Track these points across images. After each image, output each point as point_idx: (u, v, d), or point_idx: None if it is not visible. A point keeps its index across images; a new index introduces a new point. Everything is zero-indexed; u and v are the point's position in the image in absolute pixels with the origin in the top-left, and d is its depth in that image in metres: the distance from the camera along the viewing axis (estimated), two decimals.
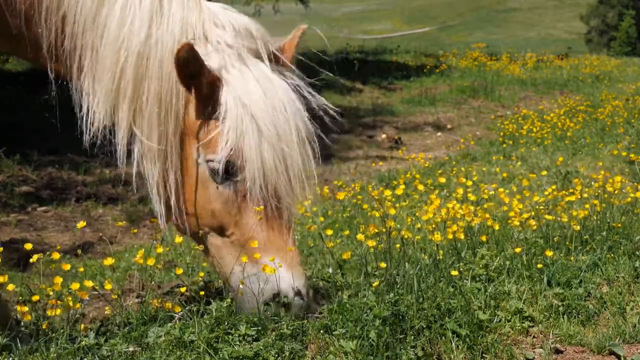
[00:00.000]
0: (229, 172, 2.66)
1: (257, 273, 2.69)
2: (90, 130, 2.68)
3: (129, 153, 2.73)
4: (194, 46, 2.54)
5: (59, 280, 2.73)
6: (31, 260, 2.84)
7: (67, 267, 2.83)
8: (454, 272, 3.32)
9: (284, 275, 2.69)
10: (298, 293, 2.73)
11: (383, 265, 3.26)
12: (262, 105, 2.65)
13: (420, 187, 4.99)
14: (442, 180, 7.39)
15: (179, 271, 3.13)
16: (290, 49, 2.93)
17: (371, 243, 3.40)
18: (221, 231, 2.76)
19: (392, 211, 3.74)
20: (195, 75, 2.59)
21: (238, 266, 2.71)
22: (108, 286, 2.95)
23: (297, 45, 2.97)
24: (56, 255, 2.76)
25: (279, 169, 2.67)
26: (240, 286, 2.72)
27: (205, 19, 2.70)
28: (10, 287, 2.76)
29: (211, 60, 2.66)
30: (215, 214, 2.72)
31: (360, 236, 3.52)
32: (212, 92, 2.65)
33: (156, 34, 2.60)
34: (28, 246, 2.86)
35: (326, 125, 2.90)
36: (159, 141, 2.65)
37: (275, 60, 2.83)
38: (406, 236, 3.73)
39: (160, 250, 3.13)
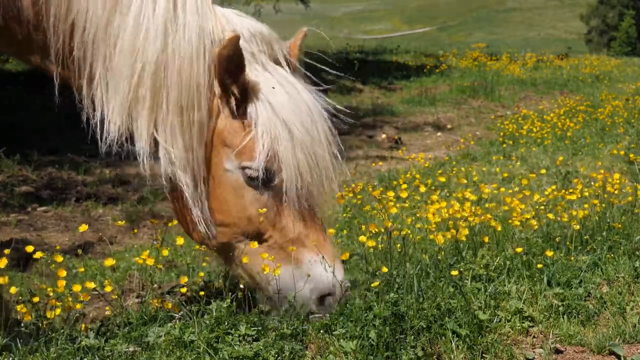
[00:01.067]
0: (267, 177, 2.69)
1: (300, 275, 2.75)
2: (106, 138, 2.66)
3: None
4: (240, 39, 2.55)
5: (62, 283, 2.72)
6: (35, 256, 2.83)
7: (63, 273, 2.81)
8: (454, 272, 3.32)
9: (328, 274, 2.76)
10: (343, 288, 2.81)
11: (385, 269, 3.25)
12: (290, 109, 2.69)
13: (422, 189, 4.98)
14: (443, 179, 7.39)
15: (183, 280, 3.13)
16: (294, 52, 2.95)
17: (371, 243, 3.40)
18: (258, 237, 2.77)
19: (394, 210, 3.74)
20: (236, 73, 2.60)
21: (284, 268, 2.74)
22: (108, 288, 2.95)
23: (300, 48, 2.98)
24: (59, 258, 2.76)
25: (313, 170, 2.72)
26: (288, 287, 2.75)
27: (222, 26, 2.70)
28: (13, 290, 2.76)
29: None
30: (252, 220, 2.73)
31: (362, 238, 3.52)
32: (244, 97, 2.67)
33: (172, 43, 2.59)
34: (29, 248, 2.85)
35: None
36: (185, 148, 2.65)
37: (288, 65, 2.86)
38: (405, 233, 3.73)
39: (166, 252, 3.13)
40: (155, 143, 2.68)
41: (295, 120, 2.68)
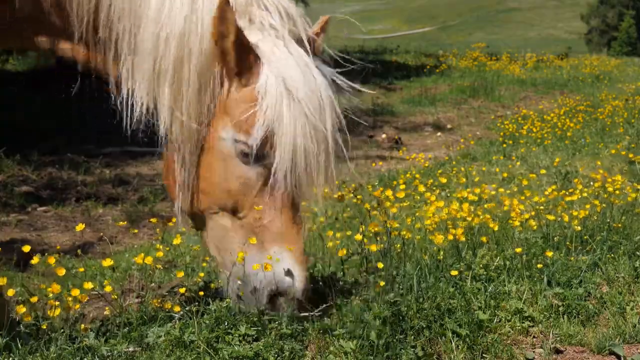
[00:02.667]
0: (258, 155, 2.60)
1: (259, 261, 2.63)
2: (131, 116, 2.62)
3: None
4: (228, 2, 2.48)
5: (57, 288, 2.71)
6: (32, 261, 2.83)
7: (62, 272, 2.79)
8: (454, 272, 3.32)
9: (290, 270, 2.63)
10: (296, 291, 2.68)
11: (380, 265, 3.25)
12: (303, 88, 2.60)
13: (421, 189, 4.98)
14: (443, 180, 7.39)
15: (180, 274, 3.12)
16: (317, 39, 2.87)
17: (373, 248, 3.38)
18: (233, 211, 2.69)
19: (394, 210, 3.74)
20: (230, 37, 2.52)
21: (250, 251, 2.64)
22: (108, 288, 2.95)
23: (322, 35, 2.91)
24: (52, 260, 2.74)
25: (309, 159, 2.62)
26: (239, 271, 2.64)
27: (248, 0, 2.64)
28: (11, 292, 2.75)
29: (252, 36, 2.61)
30: (231, 192, 2.65)
31: (358, 236, 3.51)
32: (246, 66, 2.59)
33: (196, 14, 2.55)
34: (26, 248, 2.84)
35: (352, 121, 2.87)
36: (197, 120, 2.60)
37: (311, 46, 2.76)
38: (407, 236, 3.73)
39: (160, 254, 3.11)
40: (172, 115, 2.63)
41: (307, 100, 2.59)
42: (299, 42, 2.71)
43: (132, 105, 2.62)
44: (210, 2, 2.57)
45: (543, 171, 7.41)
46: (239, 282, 2.69)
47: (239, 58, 2.57)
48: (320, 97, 2.65)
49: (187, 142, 2.63)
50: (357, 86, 2.85)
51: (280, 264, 2.63)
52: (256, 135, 2.56)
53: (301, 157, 2.60)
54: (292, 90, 2.58)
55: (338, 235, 4.17)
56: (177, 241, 2.92)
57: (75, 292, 2.73)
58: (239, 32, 2.53)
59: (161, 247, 3.18)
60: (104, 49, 2.65)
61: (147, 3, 2.57)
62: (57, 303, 2.76)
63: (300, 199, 2.70)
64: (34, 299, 2.79)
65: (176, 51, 2.56)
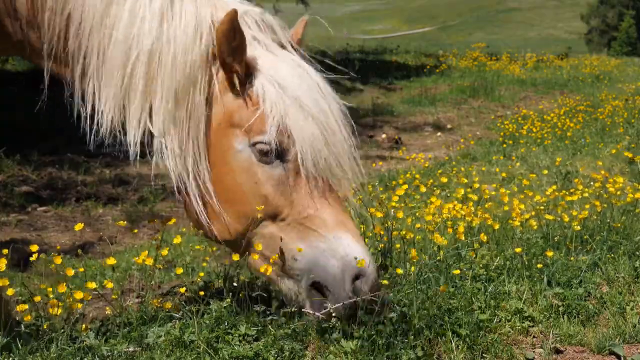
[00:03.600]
0: (279, 150, 2.62)
1: (326, 249, 2.59)
2: (97, 131, 2.64)
3: (143, 153, 2.70)
4: (237, 15, 2.51)
5: (63, 288, 2.71)
6: (32, 258, 2.83)
7: (71, 272, 2.80)
8: (456, 272, 3.32)
9: (357, 250, 2.59)
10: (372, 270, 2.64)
11: (399, 271, 3.25)
12: (299, 85, 2.64)
13: (423, 189, 4.98)
14: (444, 180, 7.39)
15: (179, 271, 3.12)
16: (296, 41, 2.91)
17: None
18: (275, 216, 2.67)
19: (400, 214, 3.74)
20: (237, 50, 2.55)
21: (303, 244, 2.60)
22: (109, 285, 2.94)
23: (302, 37, 2.95)
24: (58, 260, 2.75)
25: (329, 142, 2.64)
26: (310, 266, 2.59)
27: (221, 11, 2.66)
28: (10, 292, 2.75)
29: None
30: (268, 198, 2.64)
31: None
32: (247, 77, 2.63)
33: (168, 32, 2.58)
34: (34, 247, 2.83)
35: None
36: (179, 138, 2.61)
37: (294, 50, 2.82)
38: (409, 236, 3.74)
39: (165, 252, 3.11)
40: (151, 136, 2.65)
41: (304, 96, 2.63)
42: (283, 47, 2.77)
43: (98, 119, 2.64)
44: (182, 20, 2.59)
45: (545, 171, 7.40)
46: (312, 276, 2.61)
47: (247, 70, 2.63)
48: (319, 88, 2.71)
49: (180, 160, 2.62)
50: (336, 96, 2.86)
51: (348, 247, 2.59)
52: (271, 130, 2.59)
53: (320, 142, 2.62)
54: (287, 88, 2.62)
55: None
56: (177, 241, 2.91)
57: (79, 295, 2.72)
58: (246, 45, 2.58)
59: (160, 247, 3.16)
60: (72, 63, 2.67)
61: (119, 18, 2.59)
62: (59, 303, 2.77)
63: (335, 182, 2.70)
64: (37, 299, 2.79)
65: (145, 70, 2.58)
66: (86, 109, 2.66)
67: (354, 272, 2.58)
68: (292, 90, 2.63)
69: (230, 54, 2.57)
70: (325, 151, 2.64)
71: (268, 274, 2.67)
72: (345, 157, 2.72)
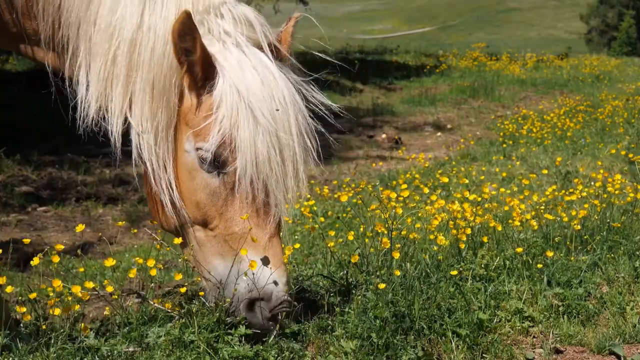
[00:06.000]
0: (219, 162, 2.58)
1: (239, 269, 2.59)
2: (84, 119, 2.62)
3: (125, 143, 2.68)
4: (191, 15, 2.46)
5: (57, 283, 2.71)
6: (32, 262, 2.82)
7: (82, 269, 2.79)
8: (454, 272, 3.32)
9: (266, 274, 2.58)
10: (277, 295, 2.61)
11: (397, 273, 3.24)
12: (259, 94, 2.57)
13: (426, 190, 4.98)
14: (445, 180, 7.39)
15: (178, 277, 3.11)
16: (286, 40, 2.84)
17: (386, 242, 3.37)
18: (205, 224, 2.67)
19: (400, 211, 3.73)
20: (190, 49, 2.50)
21: (219, 260, 2.64)
22: (109, 288, 2.94)
23: (292, 35, 2.87)
24: (56, 259, 2.75)
25: (273, 162, 2.58)
26: (213, 282, 2.63)
27: (201, 7, 2.62)
28: (9, 289, 2.76)
29: (211, 47, 2.59)
30: (200, 205, 2.64)
31: (350, 236, 3.50)
32: (207, 77, 2.58)
33: (149, 21, 2.55)
34: (26, 240, 2.82)
35: (328, 124, 2.81)
36: (154, 130, 2.58)
37: (275, 52, 2.73)
38: (411, 236, 3.73)
39: (168, 249, 3.09)
40: (128, 124, 2.62)
41: (262, 107, 2.56)
42: (259, 48, 2.68)
43: (84, 106, 2.62)
44: (162, 10, 2.56)
45: (545, 171, 7.41)
46: (217, 291, 2.65)
47: (203, 72, 2.57)
48: (282, 101, 2.61)
49: (150, 152, 2.60)
50: (322, 96, 2.80)
51: (258, 270, 2.58)
52: (212, 141, 2.54)
53: (264, 163, 2.56)
54: (246, 98, 2.55)
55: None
56: (177, 241, 2.90)
57: (77, 289, 2.72)
58: (204, 47, 2.52)
59: (161, 247, 3.16)
60: (66, 53, 2.66)
61: (104, 5, 2.57)
62: (58, 301, 2.76)
63: (273, 202, 2.63)
64: (32, 295, 2.78)
65: (127, 59, 2.56)
66: (77, 97, 2.64)
67: (250, 297, 2.59)
68: (250, 99, 2.55)
69: (184, 52, 2.52)
70: (267, 171, 2.57)
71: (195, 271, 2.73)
72: (289, 179, 2.64)
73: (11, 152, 9.05)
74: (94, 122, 2.62)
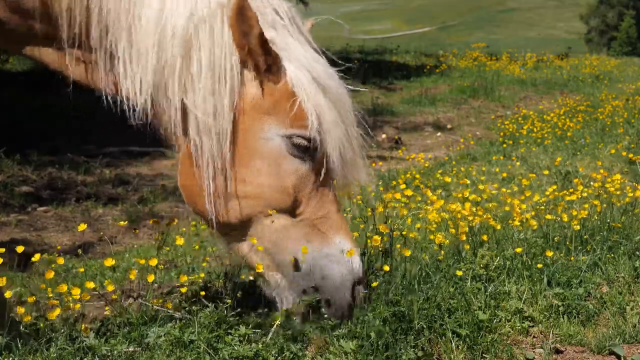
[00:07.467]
0: (314, 146, 2.58)
1: (329, 255, 2.60)
2: (133, 113, 2.56)
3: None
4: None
5: (64, 288, 2.71)
6: (33, 259, 2.83)
7: (82, 269, 2.79)
8: (459, 272, 3.31)
9: (357, 260, 2.63)
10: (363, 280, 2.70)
11: (386, 268, 3.24)
12: (325, 77, 2.59)
13: (428, 193, 4.99)
14: (448, 179, 7.39)
15: (183, 278, 3.11)
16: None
17: (376, 240, 3.38)
18: (291, 210, 2.63)
19: (404, 211, 3.74)
20: (250, 31, 2.46)
21: (304, 245, 2.60)
22: (110, 287, 2.94)
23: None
24: (61, 260, 2.75)
25: (349, 144, 2.63)
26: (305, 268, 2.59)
27: None
28: (8, 294, 2.75)
29: (266, 32, 2.55)
30: (288, 191, 2.59)
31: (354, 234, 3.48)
32: (270, 61, 2.55)
33: (203, 11, 2.50)
34: (20, 249, 2.82)
35: None
36: (214, 114, 2.54)
37: (309, 44, 2.75)
38: (412, 235, 3.73)
39: (168, 248, 3.11)
40: (184, 111, 2.57)
41: (331, 88, 2.59)
42: (309, 42, 2.72)
43: (133, 101, 2.57)
44: None
45: (545, 171, 7.40)
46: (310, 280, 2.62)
47: (265, 54, 2.53)
48: (340, 85, 2.67)
49: (209, 137, 2.55)
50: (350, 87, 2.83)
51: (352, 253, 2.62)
52: (312, 127, 2.55)
53: (347, 142, 2.61)
54: (320, 81, 2.58)
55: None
56: (180, 242, 2.89)
57: (77, 291, 2.73)
58: (262, 31, 2.49)
59: (162, 248, 3.16)
60: (97, 50, 2.59)
61: (147, 2, 2.53)
62: (57, 302, 2.77)
63: (344, 185, 2.70)
64: (31, 299, 2.78)
65: (181, 45, 2.50)
66: (120, 94, 2.57)
67: (355, 280, 2.65)
68: (323, 82, 2.57)
69: (244, 36, 2.48)
70: (350, 152, 2.62)
71: (260, 269, 2.67)
72: (360, 160, 2.72)
73: (11, 152, 9.05)
74: (143, 113, 2.57)
